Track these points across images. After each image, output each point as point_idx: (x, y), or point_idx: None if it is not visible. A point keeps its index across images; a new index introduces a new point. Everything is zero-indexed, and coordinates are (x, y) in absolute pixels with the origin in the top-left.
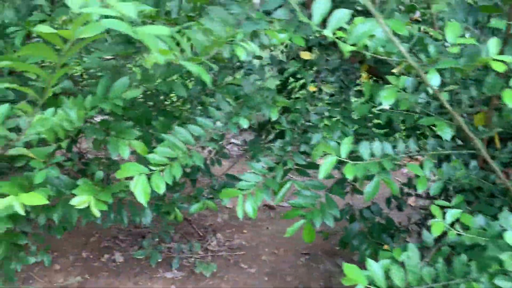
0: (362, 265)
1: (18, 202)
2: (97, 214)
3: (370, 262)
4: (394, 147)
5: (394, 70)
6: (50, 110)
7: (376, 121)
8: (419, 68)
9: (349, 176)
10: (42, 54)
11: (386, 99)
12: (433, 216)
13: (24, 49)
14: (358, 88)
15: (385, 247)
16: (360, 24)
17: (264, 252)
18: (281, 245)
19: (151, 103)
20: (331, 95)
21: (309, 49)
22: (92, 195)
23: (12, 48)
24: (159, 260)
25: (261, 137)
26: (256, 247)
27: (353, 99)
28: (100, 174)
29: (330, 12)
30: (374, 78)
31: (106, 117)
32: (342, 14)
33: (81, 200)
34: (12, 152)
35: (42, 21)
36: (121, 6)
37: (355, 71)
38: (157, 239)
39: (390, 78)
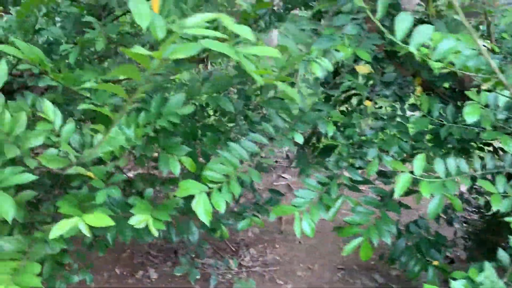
0: (408, 283)
1: (83, 223)
2: (156, 233)
3: (454, 284)
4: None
5: (483, 87)
6: (115, 129)
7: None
8: (510, 85)
9: (426, 195)
10: (130, 75)
11: (469, 116)
12: (481, 231)
13: (116, 70)
14: (412, 101)
15: (435, 263)
16: (445, 40)
17: (299, 267)
18: (315, 260)
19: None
20: (379, 108)
21: (355, 62)
22: (149, 214)
23: (65, 66)
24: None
25: (305, 151)
26: (290, 262)
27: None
28: (150, 191)
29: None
30: (427, 92)
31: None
32: (425, 30)
33: (139, 219)
34: (70, 171)
35: (94, 39)
36: (238, 28)
37: (409, 85)
38: (193, 255)
39: (470, 94)
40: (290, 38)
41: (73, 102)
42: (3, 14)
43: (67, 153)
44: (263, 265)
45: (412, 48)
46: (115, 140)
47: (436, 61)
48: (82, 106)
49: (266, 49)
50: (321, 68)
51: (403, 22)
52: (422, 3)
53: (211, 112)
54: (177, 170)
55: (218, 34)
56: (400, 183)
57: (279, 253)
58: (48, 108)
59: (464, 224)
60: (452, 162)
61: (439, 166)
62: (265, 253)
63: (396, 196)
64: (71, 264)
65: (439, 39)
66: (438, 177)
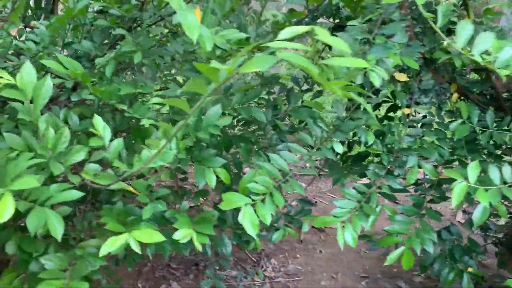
0: None
1: (133, 239)
2: (200, 248)
3: None
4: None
5: None
6: (171, 143)
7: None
8: None
9: (484, 202)
10: (198, 89)
11: None
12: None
13: (189, 85)
14: (448, 108)
15: (470, 269)
16: (507, 48)
17: (322, 277)
18: (338, 269)
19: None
20: (408, 115)
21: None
22: (191, 228)
23: (102, 79)
24: None
25: (337, 160)
26: (312, 272)
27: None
28: (185, 205)
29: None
30: (461, 98)
31: None
32: (487, 37)
33: (183, 233)
34: (114, 186)
35: (129, 52)
36: (333, 40)
37: (445, 92)
38: (216, 267)
39: None
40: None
41: (102, 116)
42: (23, 27)
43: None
44: (285, 275)
45: (476, 56)
46: (168, 154)
47: (499, 68)
48: (146, 122)
49: (351, 60)
50: (379, 77)
51: (464, 29)
52: (456, 10)
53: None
54: (213, 183)
55: (300, 46)
56: (457, 192)
57: (301, 262)
58: (98, 123)
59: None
60: (508, 169)
61: (494, 173)
62: (287, 263)
63: (453, 205)
64: (100, 280)
65: (500, 46)
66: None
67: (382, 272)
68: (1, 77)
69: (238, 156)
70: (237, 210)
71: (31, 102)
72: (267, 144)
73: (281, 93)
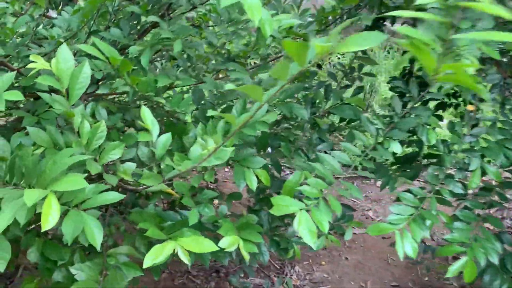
0: None
1: (181, 249)
2: (247, 257)
3: None
4: None
5: None
6: (230, 140)
7: None
8: None
9: None
10: (279, 76)
11: None
12: None
13: (272, 71)
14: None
15: None
16: None
17: (350, 285)
18: (366, 277)
19: None
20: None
21: None
22: (237, 235)
23: (139, 69)
24: None
25: (383, 161)
26: (340, 280)
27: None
28: (224, 209)
29: None
30: None
31: None
32: None
33: (230, 241)
34: (154, 188)
35: (165, 40)
36: (494, 8)
37: (509, 87)
38: (241, 275)
39: None
40: (431, 32)
41: (128, 111)
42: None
43: (152, 167)
44: (312, 283)
45: None
46: (225, 152)
47: None
48: (211, 113)
49: (502, 34)
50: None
51: None
52: None
53: None
54: (254, 185)
55: (429, 15)
56: None
57: (327, 270)
58: (146, 115)
59: None
60: None
61: None
62: (312, 271)
63: None
64: None
65: None
66: None
67: (412, 280)
68: (35, 62)
69: (275, 156)
70: (272, 216)
71: (67, 91)
72: (305, 144)
73: (319, 89)
